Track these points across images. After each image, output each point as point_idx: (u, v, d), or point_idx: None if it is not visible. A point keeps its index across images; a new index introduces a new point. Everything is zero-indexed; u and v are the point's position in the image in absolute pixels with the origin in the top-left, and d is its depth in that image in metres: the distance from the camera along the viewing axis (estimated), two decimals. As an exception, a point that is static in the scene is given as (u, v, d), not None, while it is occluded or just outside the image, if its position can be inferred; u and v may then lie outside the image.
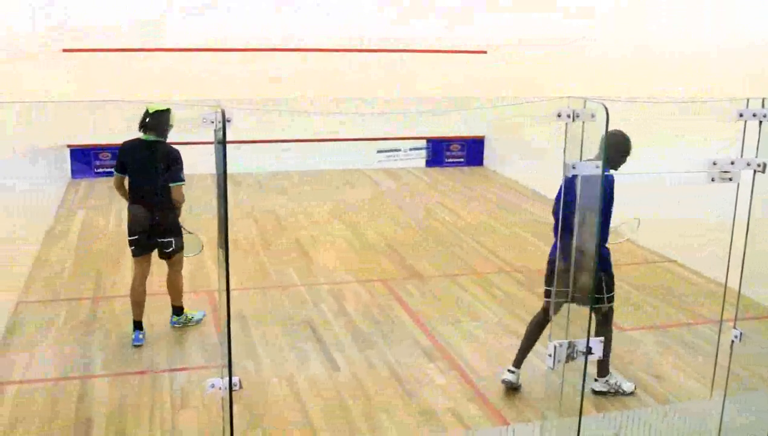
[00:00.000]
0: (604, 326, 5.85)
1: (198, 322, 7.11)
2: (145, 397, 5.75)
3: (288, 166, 14.41)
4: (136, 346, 6.66)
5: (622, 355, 6.48)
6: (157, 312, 7.33)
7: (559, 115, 3.26)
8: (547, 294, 5.86)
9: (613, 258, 6.10)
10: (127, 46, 13.29)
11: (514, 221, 11.28)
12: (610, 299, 5.82)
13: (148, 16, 13.42)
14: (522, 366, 6.28)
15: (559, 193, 5.67)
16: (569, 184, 5.49)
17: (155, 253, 6.89)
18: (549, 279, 5.78)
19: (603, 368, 5.92)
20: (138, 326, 6.76)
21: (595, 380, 5.91)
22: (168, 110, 6.62)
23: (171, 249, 6.83)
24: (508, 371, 5.98)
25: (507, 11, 14.14)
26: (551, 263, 5.73)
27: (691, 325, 7.36)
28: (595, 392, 5.88)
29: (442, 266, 9.09)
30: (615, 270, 6.11)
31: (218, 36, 13.65)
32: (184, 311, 7.11)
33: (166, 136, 6.68)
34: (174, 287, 7.04)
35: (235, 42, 13.72)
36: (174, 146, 6.71)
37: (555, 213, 5.70)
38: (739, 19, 8.65)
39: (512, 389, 5.94)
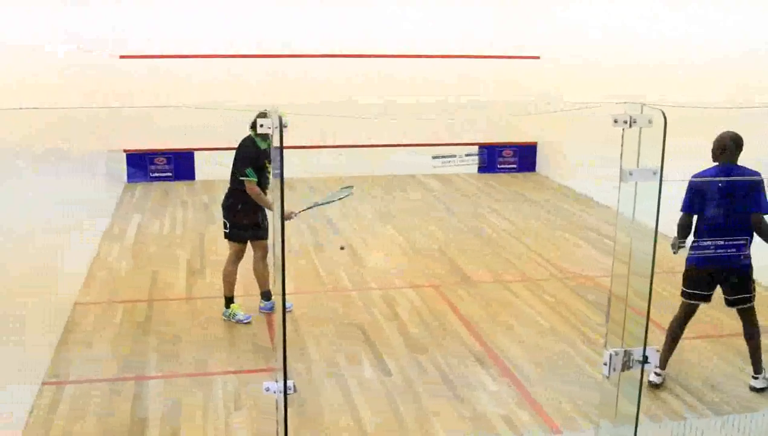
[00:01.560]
0: (755, 323, 5.95)
1: (240, 322, 7.24)
2: (198, 398, 5.84)
3: (342, 171, 14.46)
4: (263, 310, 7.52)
5: (677, 364, 6.37)
6: (210, 315, 7.46)
7: (615, 121, 3.20)
8: (692, 296, 5.94)
9: (669, 264, 6.02)
10: (185, 53, 13.52)
11: (565, 226, 11.18)
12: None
13: (206, 22, 13.63)
14: (574, 373, 6.24)
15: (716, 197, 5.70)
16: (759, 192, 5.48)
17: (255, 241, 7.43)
18: (695, 283, 5.90)
19: (759, 365, 5.98)
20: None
21: (754, 377, 5.97)
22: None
23: (225, 231, 7.34)
24: (655, 373, 6.04)
25: (560, 16, 14.06)
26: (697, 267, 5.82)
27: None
28: (756, 390, 5.93)
29: (493, 271, 9.05)
30: (669, 276, 6.03)
31: (276, 42, 13.81)
32: (233, 306, 7.33)
33: (264, 137, 6.95)
34: (223, 272, 7.38)
35: (292, 48, 13.86)
36: (251, 145, 7.07)
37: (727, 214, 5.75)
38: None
39: (654, 386, 5.99)
